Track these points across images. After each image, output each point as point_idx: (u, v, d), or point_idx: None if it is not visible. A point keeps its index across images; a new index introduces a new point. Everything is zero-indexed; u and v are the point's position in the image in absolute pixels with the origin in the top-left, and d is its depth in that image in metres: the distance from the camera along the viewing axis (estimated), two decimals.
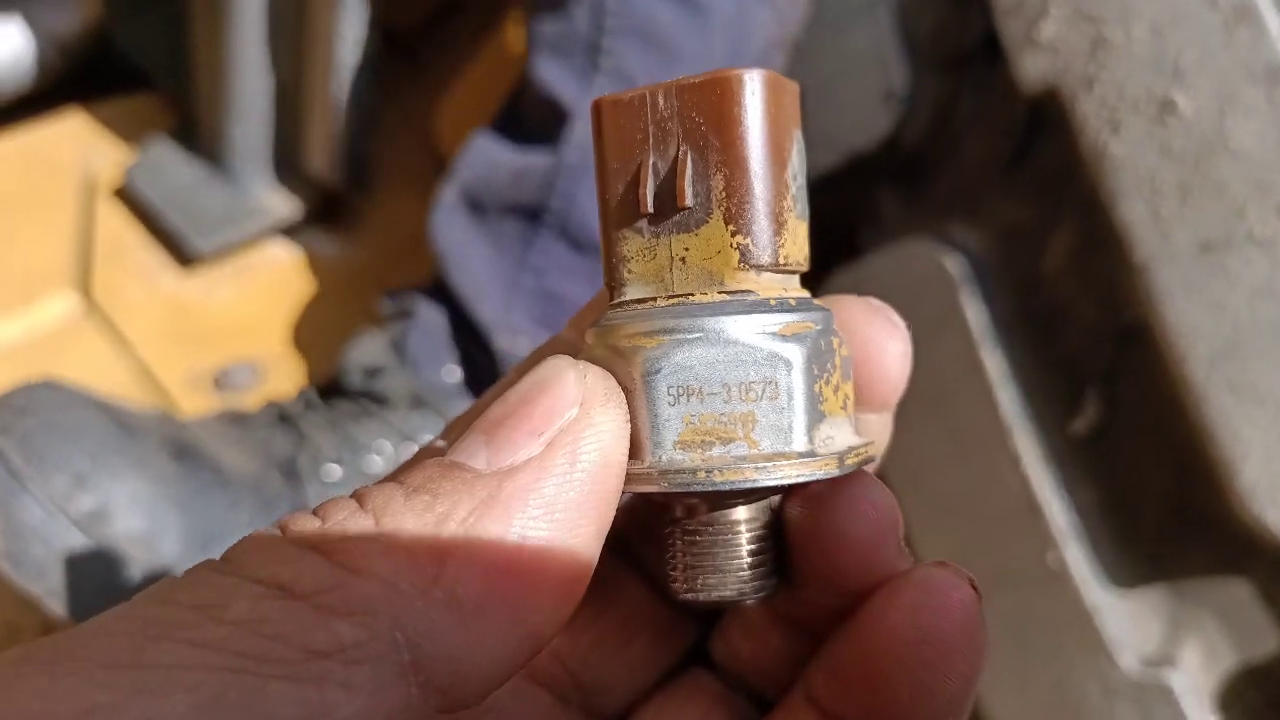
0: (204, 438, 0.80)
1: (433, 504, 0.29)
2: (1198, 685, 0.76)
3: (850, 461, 0.33)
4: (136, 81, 1.21)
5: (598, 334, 0.34)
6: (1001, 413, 0.82)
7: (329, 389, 0.95)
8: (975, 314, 0.83)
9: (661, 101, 0.32)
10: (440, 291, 0.99)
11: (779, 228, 0.32)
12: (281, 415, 0.88)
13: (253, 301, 1.10)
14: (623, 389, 0.32)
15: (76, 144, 1.15)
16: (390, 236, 1.17)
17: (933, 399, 0.85)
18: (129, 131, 1.17)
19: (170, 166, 1.14)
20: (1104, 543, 0.80)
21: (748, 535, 0.34)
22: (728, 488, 0.31)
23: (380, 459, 0.89)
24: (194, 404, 0.98)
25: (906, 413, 0.39)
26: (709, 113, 0.32)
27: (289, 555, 0.28)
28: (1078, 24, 0.74)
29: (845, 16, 0.88)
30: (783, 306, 0.32)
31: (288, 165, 1.15)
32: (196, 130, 1.16)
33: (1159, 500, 0.77)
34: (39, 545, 0.67)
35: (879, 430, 0.39)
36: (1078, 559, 0.79)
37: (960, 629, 0.33)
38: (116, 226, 1.10)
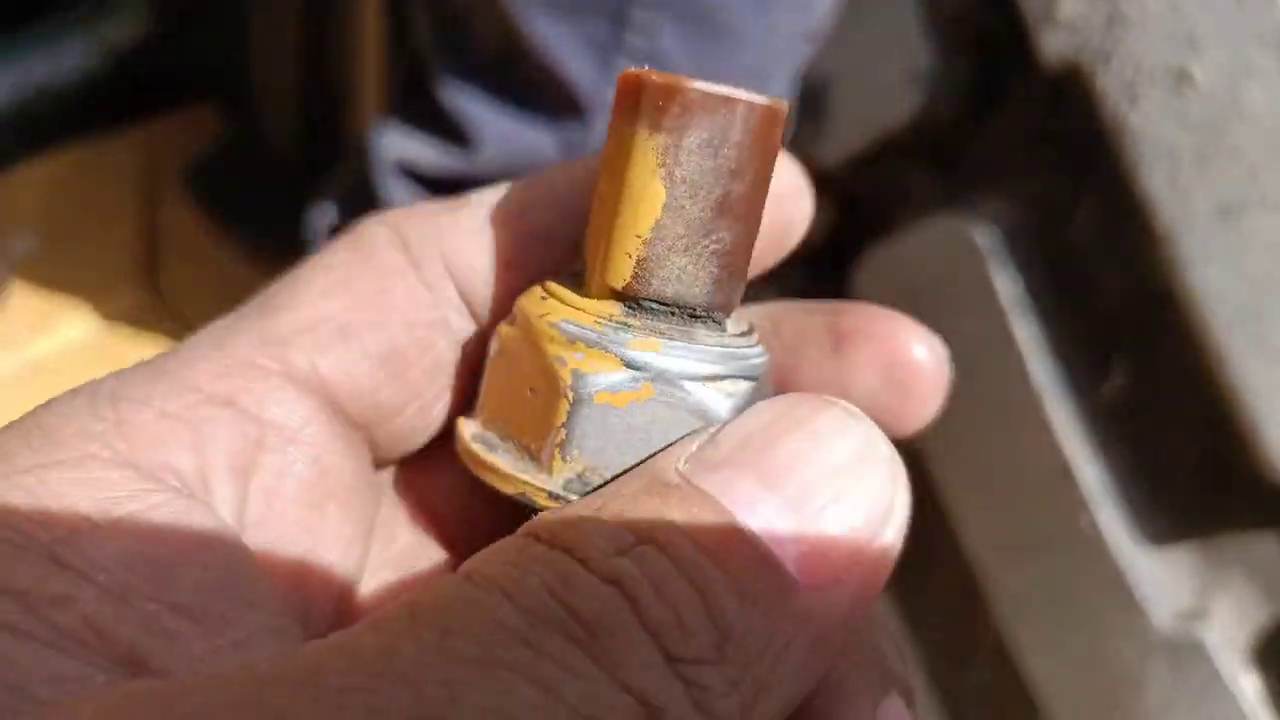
0: None
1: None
2: (1230, 639, 0.78)
3: None
4: (194, 90, 1.26)
5: None
6: (1033, 381, 0.84)
7: None
8: (1005, 286, 0.85)
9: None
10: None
11: None
12: None
13: None
14: None
15: (138, 153, 1.20)
16: None
17: (966, 369, 0.87)
18: (188, 139, 1.22)
19: (229, 172, 1.18)
20: (1135, 504, 0.82)
21: None
22: None
23: None
24: None
25: None
26: None
27: None
28: (1094, 0, 0.76)
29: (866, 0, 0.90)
30: None
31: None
32: (254, 135, 1.20)
33: (1188, 461, 0.79)
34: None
35: None
36: (1110, 521, 0.82)
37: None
38: (181, 230, 1.15)
